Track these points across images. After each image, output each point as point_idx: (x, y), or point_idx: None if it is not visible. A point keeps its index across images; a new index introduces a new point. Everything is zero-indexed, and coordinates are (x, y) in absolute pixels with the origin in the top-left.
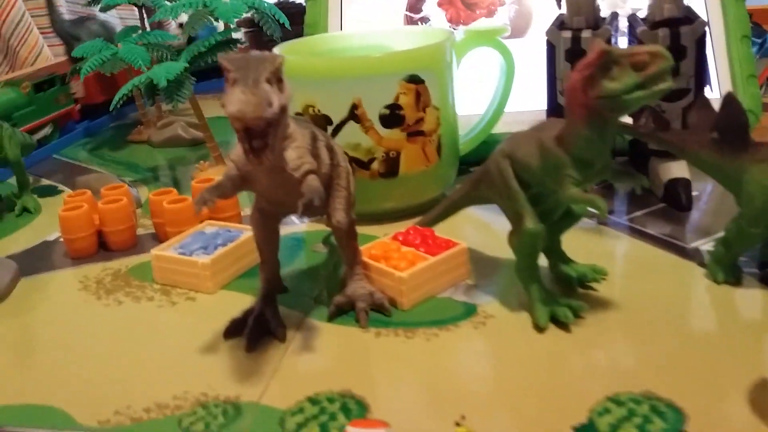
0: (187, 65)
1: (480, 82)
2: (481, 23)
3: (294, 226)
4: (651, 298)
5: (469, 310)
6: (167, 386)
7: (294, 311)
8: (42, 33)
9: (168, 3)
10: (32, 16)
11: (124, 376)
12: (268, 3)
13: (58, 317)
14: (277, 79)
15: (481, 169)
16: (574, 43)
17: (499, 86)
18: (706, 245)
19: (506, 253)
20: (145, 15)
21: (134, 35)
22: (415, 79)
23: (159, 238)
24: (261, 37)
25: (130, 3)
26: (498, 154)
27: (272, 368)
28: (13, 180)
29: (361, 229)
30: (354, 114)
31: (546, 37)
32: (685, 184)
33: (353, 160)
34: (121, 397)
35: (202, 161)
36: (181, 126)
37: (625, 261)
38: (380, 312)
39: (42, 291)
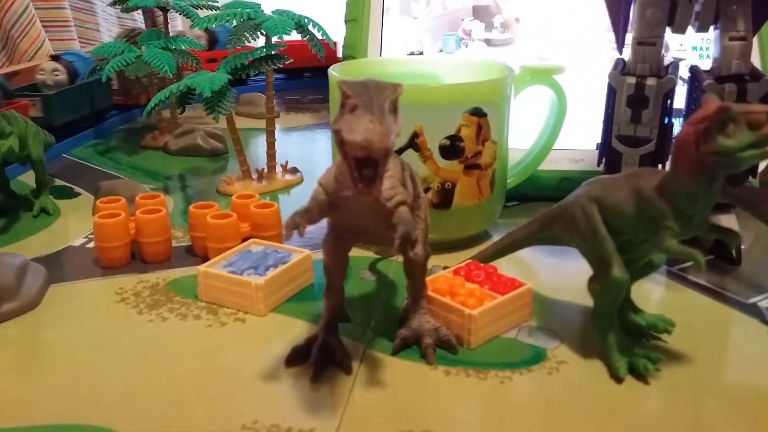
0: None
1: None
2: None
3: None
4: (722, 353)
5: (539, 354)
6: (234, 414)
7: (352, 341)
8: (45, 27)
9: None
10: (36, 9)
11: (184, 400)
12: (315, 22)
13: (97, 331)
14: (394, 108)
15: (556, 210)
16: (637, 90)
17: (549, 123)
18: (762, 302)
19: (565, 295)
20: (168, 20)
21: (158, 40)
22: (478, 112)
23: (195, 252)
24: None
25: (156, 7)
26: (584, 198)
27: (342, 401)
28: (24, 177)
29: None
30: (414, 142)
31: (607, 80)
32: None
33: None
34: (184, 423)
35: (229, 175)
36: (201, 135)
37: (684, 312)
38: (446, 349)
39: (75, 300)
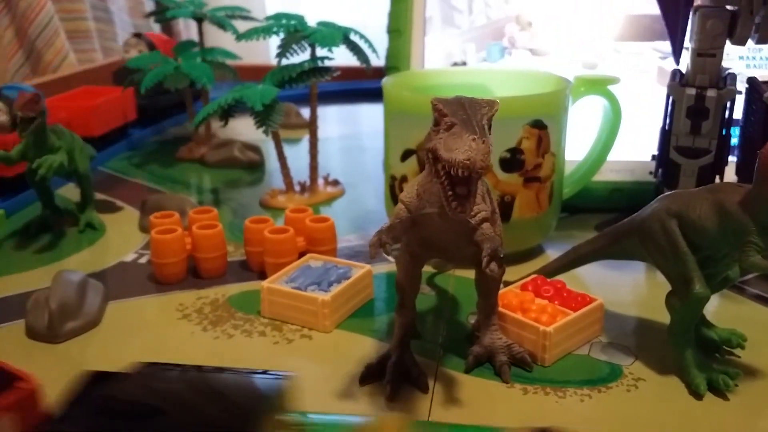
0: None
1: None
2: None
3: (388, 264)
4: None
5: (615, 371)
6: None
7: (423, 358)
8: (69, 38)
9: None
10: (61, 20)
11: None
12: (361, 34)
13: (164, 348)
14: (489, 125)
15: (629, 225)
16: (698, 101)
17: (603, 134)
18: None
19: (632, 310)
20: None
21: (194, 50)
22: (538, 125)
23: (250, 267)
24: None
25: (192, 18)
26: (662, 213)
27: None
28: (62, 192)
29: (462, 272)
30: None
31: (666, 92)
32: None
33: None
34: None
35: (273, 188)
36: (238, 147)
37: (754, 326)
38: (520, 366)
39: (136, 317)
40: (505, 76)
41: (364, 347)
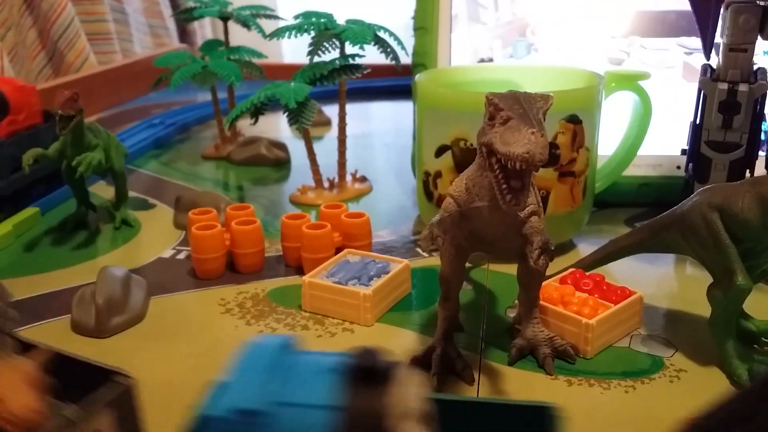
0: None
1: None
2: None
3: (422, 259)
4: None
5: (657, 363)
6: None
7: (466, 351)
8: (90, 40)
9: (249, 16)
10: (82, 22)
11: None
12: (391, 32)
13: (210, 342)
14: (544, 118)
15: (668, 218)
16: (729, 96)
17: (633, 130)
18: None
19: (668, 303)
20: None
21: (220, 49)
22: (574, 119)
23: (287, 262)
24: None
25: (218, 18)
26: (704, 206)
27: None
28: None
29: (498, 267)
30: None
31: (698, 87)
32: None
33: None
34: None
35: (302, 184)
36: (265, 145)
37: None
38: (562, 359)
39: (179, 312)
40: (536, 71)
41: (405, 340)
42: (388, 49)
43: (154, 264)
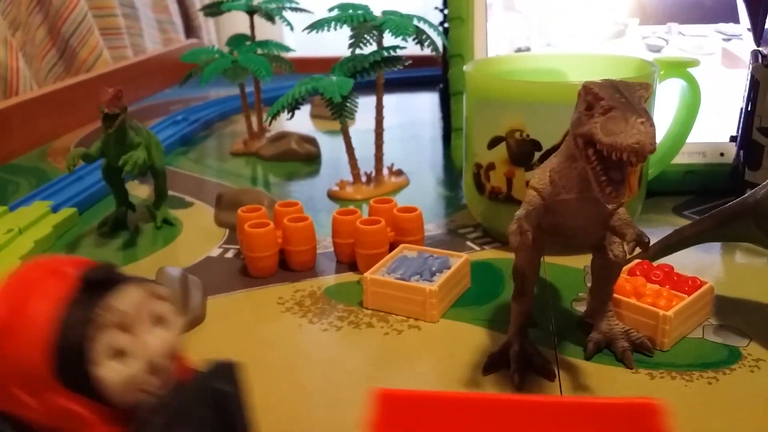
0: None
1: None
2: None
3: (475, 252)
4: None
5: (734, 353)
6: None
7: (541, 346)
8: (103, 35)
9: (277, 9)
10: (94, 17)
11: None
12: (430, 22)
13: (277, 342)
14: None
15: (740, 207)
16: None
17: (681, 116)
18: None
19: (735, 292)
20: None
21: (248, 44)
22: None
23: (339, 258)
24: None
25: (245, 11)
26: None
27: None
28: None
29: (553, 259)
30: None
31: (751, 73)
32: None
33: None
34: None
35: (340, 179)
36: (295, 140)
37: None
38: (640, 352)
39: (239, 311)
40: (586, 60)
41: (474, 336)
42: (428, 40)
43: (203, 263)
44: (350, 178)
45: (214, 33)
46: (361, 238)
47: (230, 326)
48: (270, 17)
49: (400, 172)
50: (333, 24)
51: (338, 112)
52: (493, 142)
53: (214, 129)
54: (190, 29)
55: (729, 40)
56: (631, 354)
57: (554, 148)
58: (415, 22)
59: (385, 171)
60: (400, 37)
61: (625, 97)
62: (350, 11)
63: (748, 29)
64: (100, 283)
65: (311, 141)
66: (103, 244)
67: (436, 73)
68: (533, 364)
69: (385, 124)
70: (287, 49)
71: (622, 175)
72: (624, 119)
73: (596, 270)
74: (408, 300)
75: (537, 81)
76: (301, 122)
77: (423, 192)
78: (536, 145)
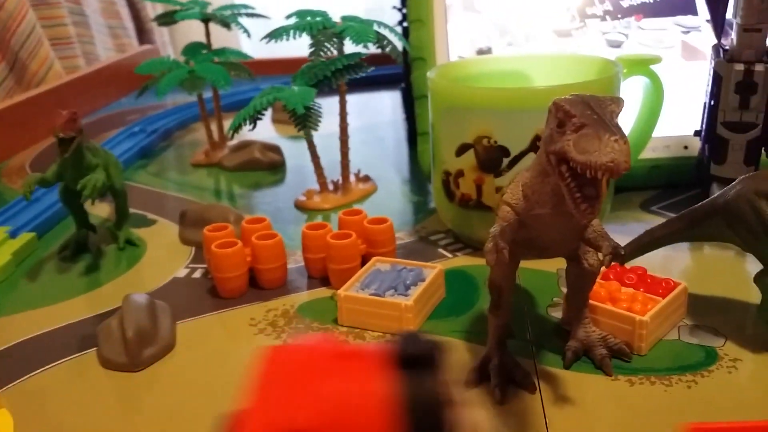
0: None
1: None
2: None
3: (446, 260)
4: None
5: (711, 354)
6: None
7: (519, 357)
8: (53, 45)
9: (233, 16)
10: (42, 27)
11: None
12: (390, 27)
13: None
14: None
15: (710, 207)
16: (746, 76)
17: (645, 114)
18: None
19: (706, 290)
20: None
21: (204, 52)
22: None
23: (310, 274)
24: None
25: (200, 20)
26: (750, 194)
27: (540, 423)
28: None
29: (527, 264)
30: (536, 145)
31: (713, 69)
32: None
33: None
34: None
35: (308, 189)
36: (258, 149)
37: None
38: (618, 357)
39: (210, 336)
40: (549, 61)
41: (454, 350)
42: (389, 46)
43: (170, 285)
44: (316, 187)
45: (168, 36)
46: (332, 253)
47: (202, 352)
48: (226, 24)
49: (367, 178)
50: (292, 32)
51: (302, 123)
52: (461, 149)
53: (173, 139)
54: (143, 33)
55: (688, 32)
56: (610, 361)
57: (522, 154)
58: (375, 27)
59: (352, 177)
60: (361, 44)
61: (597, 113)
62: (308, 18)
63: (707, 21)
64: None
65: (275, 149)
66: (65, 269)
67: (397, 72)
68: (514, 377)
69: (334, 128)
70: (245, 56)
71: (597, 192)
72: (597, 137)
73: (571, 278)
74: (384, 316)
75: (503, 87)
76: (262, 127)
77: (391, 198)
78: (504, 151)
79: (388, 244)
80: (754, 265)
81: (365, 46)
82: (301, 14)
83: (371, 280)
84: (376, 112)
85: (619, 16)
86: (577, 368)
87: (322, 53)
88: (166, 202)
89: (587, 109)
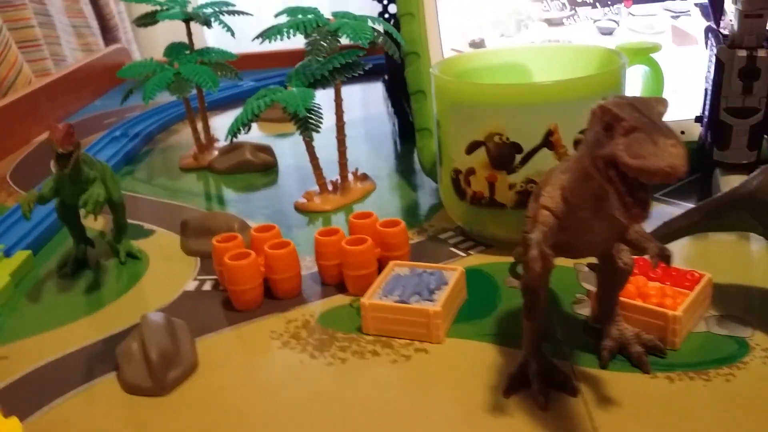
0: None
1: None
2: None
3: (460, 259)
4: None
5: (742, 345)
6: None
7: (555, 359)
8: (21, 48)
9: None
10: (9, 30)
11: None
12: (385, 23)
13: (282, 384)
14: None
15: (731, 198)
16: (749, 62)
17: None
18: None
19: (728, 279)
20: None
21: (187, 53)
22: None
23: (325, 281)
24: None
25: (182, 20)
26: None
27: (587, 427)
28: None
29: None
30: (548, 141)
31: (715, 55)
32: None
33: None
34: None
35: (306, 190)
36: (249, 150)
37: None
38: (653, 354)
39: (232, 352)
40: (552, 52)
41: (484, 354)
42: (387, 43)
43: (181, 300)
44: (312, 188)
45: (132, 33)
46: (348, 260)
47: (227, 371)
48: (207, 23)
49: (365, 177)
50: (286, 32)
51: (303, 125)
52: (472, 147)
53: (156, 142)
54: (106, 30)
55: (677, 17)
56: (647, 358)
57: (535, 150)
58: (369, 23)
59: (350, 176)
60: (359, 41)
61: (646, 115)
62: (300, 16)
63: (696, 5)
64: None
65: (266, 150)
66: (66, 288)
67: (378, 62)
68: (554, 380)
69: (332, 121)
70: (231, 55)
71: (648, 195)
72: (651, 141)
73: (603, 276)
74: (411, 323)
75: (514, 83)
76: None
77: (392, 197)
78: (517, 148)
79: (403, 246)
80: None
81: (363, 44)
82: (292, 12)
83: (393, 285)
84: (359, 106)
85: (609, 2)
86: (613, 367)
87: (318, 53)
88: (160, 209)
89: (635, 112)
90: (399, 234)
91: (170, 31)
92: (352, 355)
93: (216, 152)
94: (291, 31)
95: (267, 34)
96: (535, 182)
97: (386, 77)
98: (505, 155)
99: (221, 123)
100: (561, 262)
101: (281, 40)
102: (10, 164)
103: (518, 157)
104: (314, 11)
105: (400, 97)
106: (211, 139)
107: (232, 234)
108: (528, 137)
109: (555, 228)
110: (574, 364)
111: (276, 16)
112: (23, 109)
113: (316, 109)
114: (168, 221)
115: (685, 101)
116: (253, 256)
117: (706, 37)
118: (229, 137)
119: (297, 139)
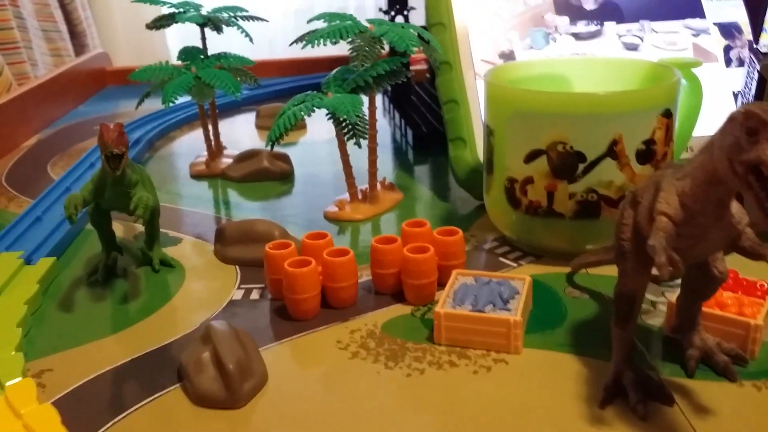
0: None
1: None
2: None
3: (515, 269)
4: None
5: None
6: None
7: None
8: (1, 50)
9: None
10: None
11: None
12: (424, 31)
13: (366, 397)
14: None
15: None
16: None
17: (685, 117)
18: None
19: None
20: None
21: (202, 57)
22: (667, 114)
23: (379, 290)
24: None
25: (197, 24)
26: None
27: None
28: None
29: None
30: (612, 150)
31: (757, 71)
32: None
33: (602, 199)
34: None
35: (338, 198)
36: (266, 158)
37: None
38: (736, 363)
39: (301, 363)
40: (597, 65)
41: (565, 364)
42: (429, 49)
43: (230, 309)
44: (340, 196)
45: (98, 38)
46: (411, 268)
47: (300, 382)
48: (218, 29)
49: (392, 186)
50: (326, 37)
51: (352, 131)
52: (532, 156)
53: (155, 149)
54: (74, 35)
55: (698, 35)
56: (733, 366)
57: (599, 159)
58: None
59: (378, 186)
60: (405, 49)
61: None
62: (337, 21)
63: (715, 24)
64: None
65: (283, 158)
66: (99, 298)
67: None
68: (649, 390)
69: (329, 134)
70: (248, 61)
71: None
72: None
73: (692, 285)
74: (488, 333)
75: (581, 92)
76: (245, 135)
77: (423, 206)
78: (581, 157)
79: (460, 255)
80: None
81: (410, 51)
82: (331, 17)
83: (462, 295)
84: None
85: (631, 18)
86: (698, 376)
87: (363, 59)
88: (183, 217)
89: None
90: (458, 243)
91: (139, 40)
92: (428, 365)
93: (225, 159)
94: (330, 37)
95: (310, 40)
96: (596, 192)
97: (389, 89)
98: (567, 164)
99: (222, 131)
100: (608, 270)
101: (323, 45)
102: (2, 168)
103: (581, 167)
104: (350, 17)
105: (409, 110)
106: (221, 147)
107: (286, 241)
108: (593, 147)
109: (674, 234)
110: (660, 373)
111: (309, 21)
112: (12, 111)
113: (362, 115)
114: (193, 229)
115: (707, 117)
116: (313, 264)
117: (726, 55)
118: (270, 144)
119: (306, 147)
